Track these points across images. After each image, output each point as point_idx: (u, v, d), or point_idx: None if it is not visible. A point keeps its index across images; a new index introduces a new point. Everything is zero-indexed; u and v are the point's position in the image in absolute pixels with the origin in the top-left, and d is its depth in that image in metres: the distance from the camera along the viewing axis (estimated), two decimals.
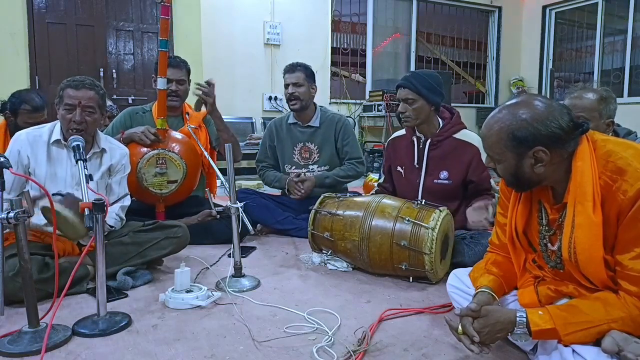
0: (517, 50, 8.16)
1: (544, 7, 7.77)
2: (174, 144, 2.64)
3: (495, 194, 2.34)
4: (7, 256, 1.77)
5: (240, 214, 2.14)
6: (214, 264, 2.39)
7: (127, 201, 2.26)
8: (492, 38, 8.16)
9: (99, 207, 1.58)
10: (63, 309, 1.76)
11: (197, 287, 1.90)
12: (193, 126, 2.81)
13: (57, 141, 2.05)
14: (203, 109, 2.89)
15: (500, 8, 7.99)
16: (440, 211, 2.11)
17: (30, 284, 1.52)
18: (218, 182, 2.69)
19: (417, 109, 2.33)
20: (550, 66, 7.78)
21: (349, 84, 7.16)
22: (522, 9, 8.11)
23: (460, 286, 1.62)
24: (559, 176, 1.26)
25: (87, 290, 1.97)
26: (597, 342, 1.17)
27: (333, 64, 6.95)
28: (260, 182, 4.76)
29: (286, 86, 3.06)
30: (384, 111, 6.40)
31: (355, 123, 6.79)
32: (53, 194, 1.65)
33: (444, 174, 2.38)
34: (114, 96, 5.21)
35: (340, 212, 2.30)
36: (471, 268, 1.60)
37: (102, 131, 2.33)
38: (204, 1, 5.69)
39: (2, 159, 1.55)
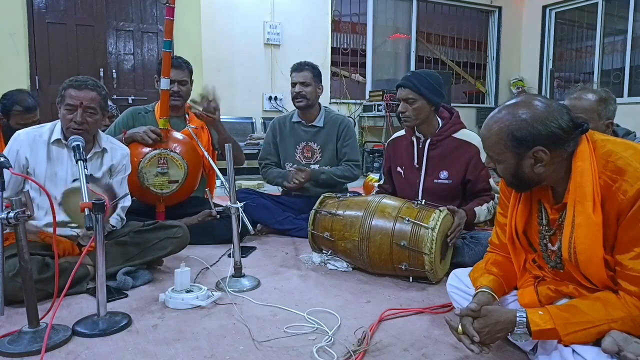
0: (517, 50, 8.17)
1: (544, 7, 7.78)
2: (175, 144, 2.64)
3: (495, 195, 2.34)
4: (7, 256, 1.76)
5: (240, 214, 2.14)
6: (214, 264, 2.39)
7: (128, 201, 2.26)
8: (492, 38, 8.16)
9: (99, 207, 1.58)
10: (63, 309, 1.76)
11: (197, 287, 1.90)
12: (194, 126, 2.81)
13: (57, 140, 2.05)
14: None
15: (500, 8, 7.99)
16: (440, 211, 2.11)
17: (30, 284, 1.52)
18: (218, 182, 2.69)
19: (417, 109, 2.33)
20: (550, 66, 7.79)
21: (349, 84, 7.17)
22: (522, 9, 8.11)
23: (460, 286, 1.62)
24: (559, 176, 1.26)
25: (87, 290, 1.97)
26: (597, 342, 1.17)
27: (333, 64, 6.95)
28: (261, 182, 4.78)
29: (293, 85, 3.06)
30: (384, 111, 6.41)
31: (355, 123, 6.79)
32: (73, 180, 1.66)
33: (443, 174, 2.38)
34: (114, 96, 5.21)
35: (340, 212, 2.30)
36: (471, 268, 1.60)
37: (103, 131, 2.33)
38: (204, 1, 5.69)
39: (2, 159, 1.55)
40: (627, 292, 1.17)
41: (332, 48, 6.93)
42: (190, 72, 2.89)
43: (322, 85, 3.13)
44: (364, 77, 7.31)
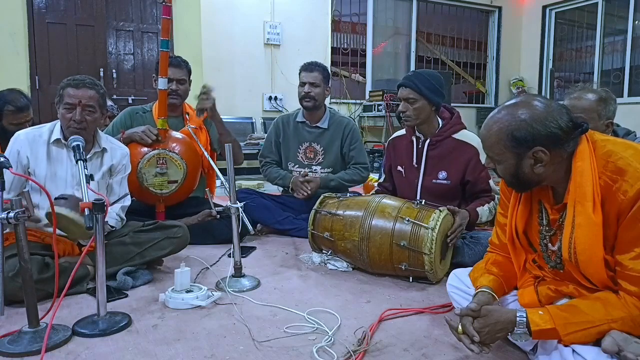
0: (517, 50, 8.17)
1: (544, 7, 7.78)
2: (174, 144, 2.64)
3: (495, 196, 2.34)
4: (7, 256, 1.76)
5: (240, 214, 2.14)
6: (214, 264, 2.39)
7: (128, 201, 2.26)
8: (492, 38, 8.16)
9: (99, 207, 1.58)
10: (63, 309, 1.76)
11: (197, 287, 1.90)
12: (193, 126, 2.81)
13: (57, 140, 2.05)
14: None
15: (500, 8, 7.99)
16: (440, 211, 2.11)
17: (30, 284, 1.52)
18: (218, 182, 2.69)
19: (417, 109, 2.33)
20: (550, 66, 7.79)
21: (349, 84, 7.17)
22: (522, 9, 8.12)
23: (460, 286, 1.62)
24: (559, 176, 1.26)
25: (87, 290, 1.97)
26: (597, 342, 1.17)
27: (333, 64, 6.95)
28: (261, 182, 4.78)
29: (302, 84, 3.04)
30: (384, 111, 6.41)
31: (355, 123, 6.79)
32: (55, 198, 1.66)
33: (442, 174, 2.38)
34: (114, 96, 5.21)
35: (340, 212, 2.30)
36: (471, 268, 1.60)
37: (102, 131, 2.33)
38: (204, 1, 5.69)
39: (2, 159, 1.55)
40: (627, 292, 1.17)
41: (332, 48, 6.93)
42: (189, 72, 2.89)
43: (329, 87, 3.12)
44: (364, 77, 7.31)
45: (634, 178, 1.14)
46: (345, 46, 7.18)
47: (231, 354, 1.48)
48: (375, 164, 6.14)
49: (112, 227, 2.15)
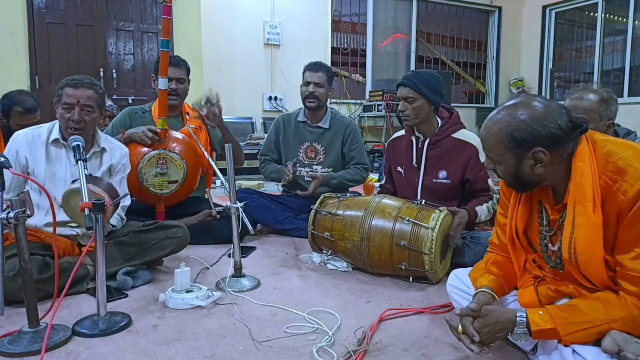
0: (517, 50, 8.17)
1: (544, 7, 7.78)
2: (174, 144, 2.64)
3: (494, 195, 2.34)
4: (7, 256, 1.76)
5: (240, 214, 2.14)
6: (214, 264, 2.39)
7: (128, 201, 2.26)
8: (492, 38, 8.16)
9: (99, 207, 1.58)
10: (63, 309, 1.76)
11: (197, 287, 1.90)
12: (193, 126, 2.81)
13: (55, 140, 2.05)
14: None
15: (500, 8, 7.99)
16: (440, 211, 2.11)
17: (30, 284, 1.52)
18: (217, 182, 2.69)
19: (417, 108, 2.33)
20: (550, 66, 7.79)
21: (349, 84, 7.17)
22: (522, 9, 8.12)
23: (460, 286, 1.62)
24: (559, 177, 1.26)
25: (87, 290, 1.97)
26: (597, 342, 1.17)
27: (333, 64, 6.95)
28: (261, 182, 4.79)
29: (307, 84, 3.04)
30: (384, 111, 6.41)
31: (356, 123, 6.79)
32: (72, 181, 1.66)
33: (442, 174, 2.38)
34: (114, 96, 5.21)
35: (340, 212, 2.30)
36: (471, 268, 1.60)
37: (102, 131, 2.32)
38: (204, 1, 5.69)
39: (2, 159, 1.55)
40: (627, 292, 1.17)
41: (332, 48, 6.93)
42: (188, 71, 2.89)
43: (332, 88, 3.13)
44: (364, 77, 7.31)
45: (634, 178, 1.14)
46: (345, 46, 7.18)
47: (231, 354, 1.48)
48: (376, 164, 6.15)
49: (113, 226, 2.15)
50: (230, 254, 2.39)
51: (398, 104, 2.43)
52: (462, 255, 2.21)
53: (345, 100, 7.02)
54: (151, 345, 1.54)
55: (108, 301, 1.72)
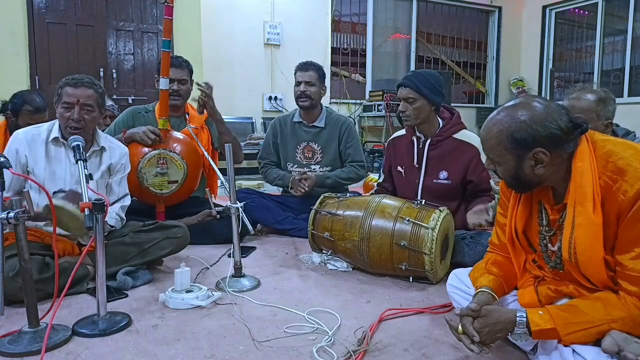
0: (517, 50, 8.16)
1: (544, 7, 7.78)
2: (175, 144, 2.64)
3: (496, 195, 2.34)
4: (7, 256, 1.76)
5: (240, 214, 2.14)
6: (214, 264, 2.39)
7: (127, 201, 2.26)
8: (492, 38, 8.16)
9: (99, 207, 1.58)
10: (63, 309, 1.76)
11: (197, 287, 1.90)
12: (193, 126, 2.81)
13: (55, 139, 2.05)
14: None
15: (500, 8, 7.99)
16: (440, 211, 2.11)
17: (30, 284, 1.52)
18: (218, 182, 2.69)
19: (417, 109, 2.33)
20: (550, 66, 7.78)
21: (349, 84, 7.16)
22: (522, 9, 8.11)
23: (460, 286, 1.62)
24: (559, 177, 1.26)
25: (87, 290, 1.97)
26: (597, 342, 1.17)
27: (333, 64, 6.95)
28: (261, 182, 4.78)
29: (298, 84, 3.05)
30: (384, 111, 6.40)
31: (355, 123, 6.79)
32: (54, 192, 1.66)
33: (443, 174, 2.38)
34: (114, 96, 5.21)
35: (340, 212, 2.30)
36: (471, 268, 1.60)
37: (103, 131, 2.32)
38: (204, 1, 5.68)
39: (2, 159, 1.55)
40: (627, 292, 1.17)
41: (332, 48, 6.93)
42: (190, 72, 2.89)
43: (325, 86, 3.13)
44: (364, 77, 7.31)
45: (634, 178, 1.14)
46: (345, 46, 7.17)
47: (231, 354, 1.48)
48: (375, 164, 6.15)
49: (112, 226, 2.15)
50: (230, 254, 2.39)
51: (398, 104, 2.43)
52: (462, 255, 2.21)
53: (345, 100, 7.01)
54: (151, 345, 1.54)
55: (108, 301, 1.72)
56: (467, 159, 2.34)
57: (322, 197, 2.48)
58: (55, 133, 2.05)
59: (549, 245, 1.35)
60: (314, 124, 3.13)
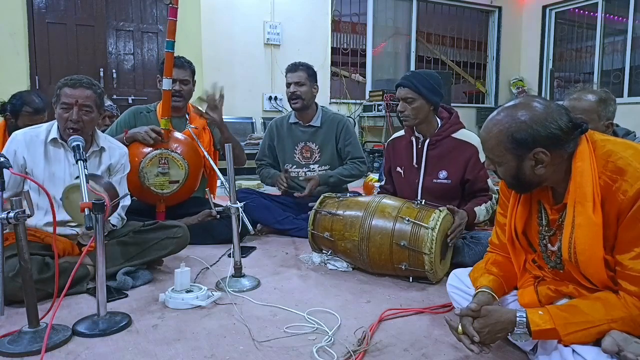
0: (517, 50, 8.16)
1: (544, 7, 7.78)
2: (176, 145, 2.64)
3: (493, 195, 2.35)
4: (7, 256, 1.76)
5: (240, 214, 2.14)
6: (214, 264, 2.39)
7: (127, 201, 2.26)
8: (492, 38, 8.16)
9: (99, 207, 1.58)
10: (63, 309, 1.76)
11: (197, 287, 1.90)
12: (194, 127, 2.81)
13: (54, 140, 2.05)
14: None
15: (500, 8, 7.99)
16: (440, 211, 2.11)
17: (30, 284, 1.52)
18: (218, 183, 2.69)
19: (416, 108, 2.33)
20: (550, 66, 7.78)
21: (349, 84, 7.16)
22: (522, 9, 8.11)
23: (460, 286, 1.62)
24: (559, 177, 1.26)
25: (87, 290, 1.97)
26: (597, 342, 1.17)
27: (333, 64, 6.95)
28: (261, 182, 4.78)
29: (288, 85, 3.07)
30: (384, 111, 6.40)
31: (355, 123, 6.79)
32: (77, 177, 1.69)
33: (442, 174, 2.38)
34: (114, 96, 5.21)
35: (340, 212, 2.30)
36: (471, 268, 1.60)
37: (103, 131, 2.32)
38: (204, 1, 5.69)
39: (2, 159, 1.55)
40: (627, 292, 1.17)
41: (332, 48, 6.93)
42: (193, 72, 2.90)
43: (317, 85, 3.13)
44: (364, 77, 7.31)
45: (634, 178, 1.14)
46: (345, 46, 7.17)
47: (231, 354, 1.48)
48: (376, 164, 6.15)
49: (113, 225, 2.15)
50: (230, 254, 2.39)
51: (398, 104, 2.43)
52: (462, 255, 2.21)
53: (345, 100, 7.01)
54: (151, 345, 1.54)
55: (108, 301, 1.72)
56: (466, 158, 2.34)
57: (322, 197, 2.48)
58: (54, 134, 2.05)
59: (549, 245, 1.35)
60: (310, 123, 3.13)
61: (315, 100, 3.18)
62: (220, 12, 6.04)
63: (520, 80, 8.04)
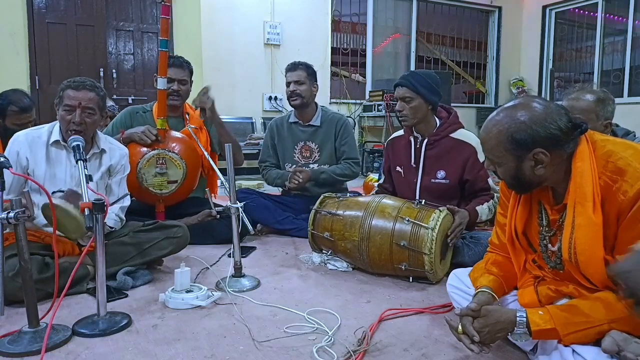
0: (517, 50, 8.17)
1: (544, 7, 7.78)
2: (174, 144, 2.64)
3: (495, 194, 2.35)
4: (7, 256, 1.76)
5: (240, 214, 2.14)
6: (214, 264, 2.39)
7: (127, 201, 2.26)
8: (492, 38, 8.16)
9: (99, 207, 1.58)
10: (63, 309, 1.76)
11: (197, 287, 1.90)
12: (193, 126, 2.81)
13: (56, 142, 2.05)
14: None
15: (500, 8, 7.99)
16: (440, 211, 2.11)
17: (30, 284, 1.52)
18: (218, 182, 2.69)
19: (414, 108, 2.33)
20: (550, 66, 7.78)
21: (349, 84, 7.17)
22: (522, 9, 8.11)
23: (460, 286, 1.62)
24: (559, 177, 1.26)
25: (87, 290, 1.97)
26: (597, 342, 1.17)
27: (333, 64, 6.95)
28: (261, 182, 4.78)
29: (287, 84, 3.08)
30: (384, 111, 6.40)
31: (355, 123, 6.80)
32: (54, 192, 1.65)
33: (441, 174, 2.38)
34: (114, 96, 5.21)
35: (340, 212, 2.30)
36: (471, 268, 1.60)
37: (101, 131, 2.32)
38: (204, 1, 5.69)
39: (2, 159, 1.55)
40: None
41: (332, 48, 6.93)
42: (191, 72, 2.89)
43: (317, 84, 3.14)
44: (364, 77, 7.31)
45: (634, 178, 1.14)
46: (345, 46, 7.17)
47: (231, 354, 1.48)
48: (375, 164, 6.15)
49: (110, 227, 2.15)
50: (230, 254, 2.39)
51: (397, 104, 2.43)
52: (462, 255, 2.21)
53: (345, 100, 7.02)
54: (151, 345, 1.54)
55: (108, 301, 1.72)
56: (465, 158, 2.34)
57: (322, 197, 2.48)
58: (56, 136, 2.06)
59: (549, 245, 1.35)
60: (310, 123, 3.13)
61: (315, 100, 3.19)
62: (220, 12, 6.05)
63: (520, 81, 8.04)
